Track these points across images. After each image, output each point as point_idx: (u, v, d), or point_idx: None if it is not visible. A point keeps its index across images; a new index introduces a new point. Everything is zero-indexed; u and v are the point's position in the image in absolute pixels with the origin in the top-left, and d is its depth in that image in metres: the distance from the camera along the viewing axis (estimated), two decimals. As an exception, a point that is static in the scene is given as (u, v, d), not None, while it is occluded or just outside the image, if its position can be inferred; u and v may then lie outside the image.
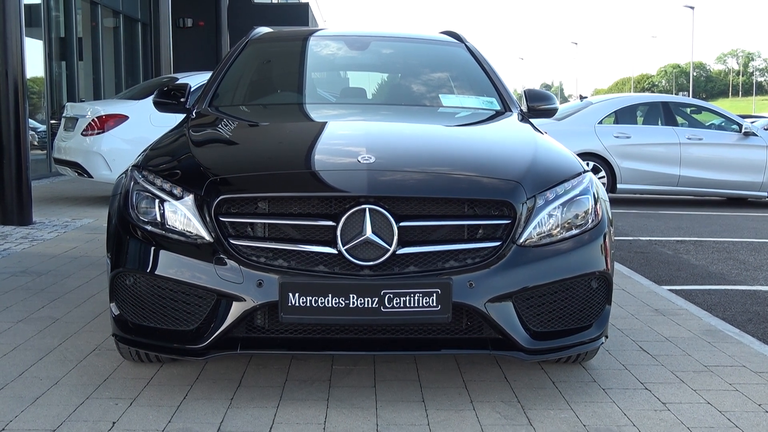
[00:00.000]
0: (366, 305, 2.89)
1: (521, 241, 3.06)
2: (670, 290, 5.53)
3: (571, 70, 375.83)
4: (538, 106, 4.51)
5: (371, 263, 2.92)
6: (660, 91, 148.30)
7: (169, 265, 3.05)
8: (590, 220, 3.26)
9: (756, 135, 11.80)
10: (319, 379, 3.39)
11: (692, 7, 74.78)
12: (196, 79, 9.24)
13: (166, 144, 3.71)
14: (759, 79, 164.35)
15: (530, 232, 3.09)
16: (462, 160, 3.37)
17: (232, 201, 3.02)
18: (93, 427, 2.87)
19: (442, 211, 3.03)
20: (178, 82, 8.22)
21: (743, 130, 11.81)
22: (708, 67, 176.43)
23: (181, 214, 3.08)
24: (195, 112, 4.27)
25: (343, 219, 2.93)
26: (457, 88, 4.88)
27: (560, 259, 3.13)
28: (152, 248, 3.09)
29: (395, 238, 2.93)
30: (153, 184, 3.21)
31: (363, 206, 2.94)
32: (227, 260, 2.96)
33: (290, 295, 2.89)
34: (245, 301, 2.94)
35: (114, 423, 2.92)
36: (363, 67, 5.31)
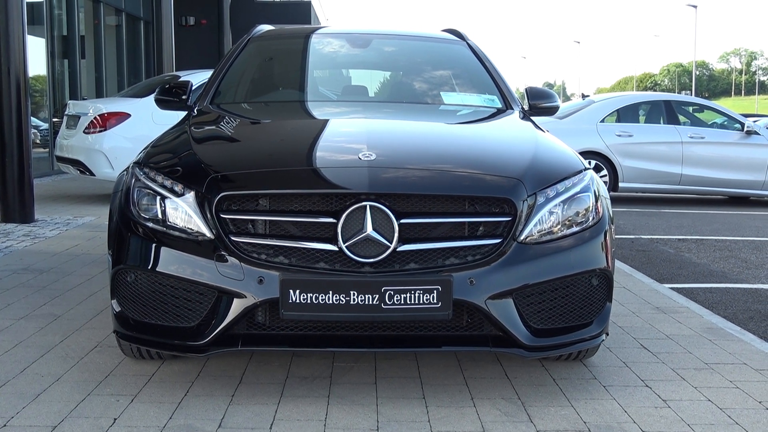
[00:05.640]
0: (367, 302, 2.89)
1: (522, 238, 3.06)
2: (671, 288, 5.53)
3: (574, 68, 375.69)
4: (539, 104, 4.51)
5: (372, 260, 2.93)
6: (663, 90, 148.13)
7: (170, 261, 3.06)
8: (591, 218, 3.26)
9: (758, 134, 11.79)
10: (320, 376, 3.39)
11: (695, 6, 74.68)
12: (198, 77, 9.24)
13: (167, 141, 3.72)
14: (762, 78, 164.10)
15: (531, 230, 3.09)
16: (463, 157, 3.37)
17: (233, 198, 3.02)
18: (94, 424, 2.88)
19: (443, 208, 3.03)
20: (180, 79, 8.24)
21: (745, 129, 11.79)
22: (711, 66, 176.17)
23: (182, 211, 3.08)
24: (196, 110, 4.27)
25: (344, 216, 2.93)
26: (458, 85, 4.88)
27: (561, 257, 3.13)
28: (153, 245, 3.10)
29: (396, 235, 2.93)
30: (154, 181, 3.22)
31: (364, 203, 2.94)
32: (228, 257, 2.97)
33: (291, 291, 2.89)
34: (246, 297, 2.94)
35: (115, 419, 2.92)
36: (364, 65, 5.31)
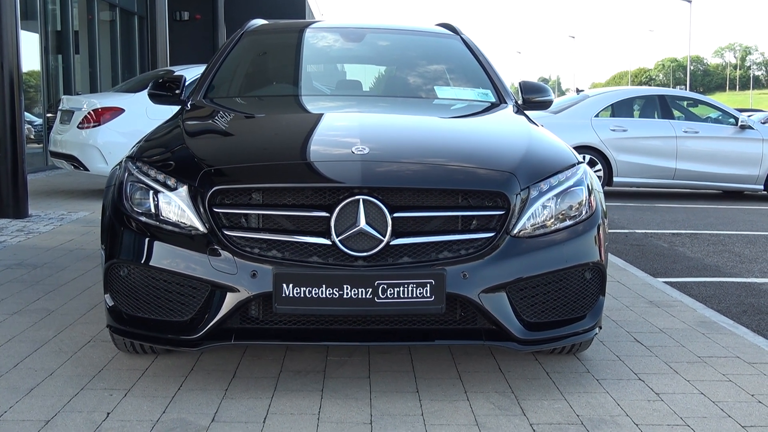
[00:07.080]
0: (360, 296, 2.89)
1: (515, 232, 3.07)
2: (665, 282, 5.54)
3: (569, 63, 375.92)
4: (533, 98, 4.51)
5: (365, 254, 2.93)
6: (657, 85, 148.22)
7: (163, 256, 3.05)
8: (584, 211, 3.26)
9: (752, 128, 11.81)
10: (314, 370, 3.40)
11: (689, 1, 74.68)
12: (192, 72, 9.22)
13: (160, 135, 3.71)
14: (756, 73, 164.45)
15: (524, 223, 3.09)
16: (456, 151, 3.37)
17: (226, 192, 3.02)
18: (87, 418, 2.88)
19: (436, 202, 3.03)
20: (173, 74, 8.21)
21: (739, 123, 11.80)
22: (705, 61, 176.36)
23: (175, 205, 3.08)
24: (190, 104, 4.26)
25: (337, 210, 2.93)
26: (452, 80, 4.87)
27: (554, 250, 3.13)
28: (146, 239, 3.09)
29: (389, 228, 2.93)
30: (147, 175, 3.21)
31: (357, 197, 2.94)
32: (221, 251, 2.96)
33: (284, 285, 2.89)
34: (239, 291, 2.94)
35: (108, 413, 2.92)
36: (358, 59, 5.30)
